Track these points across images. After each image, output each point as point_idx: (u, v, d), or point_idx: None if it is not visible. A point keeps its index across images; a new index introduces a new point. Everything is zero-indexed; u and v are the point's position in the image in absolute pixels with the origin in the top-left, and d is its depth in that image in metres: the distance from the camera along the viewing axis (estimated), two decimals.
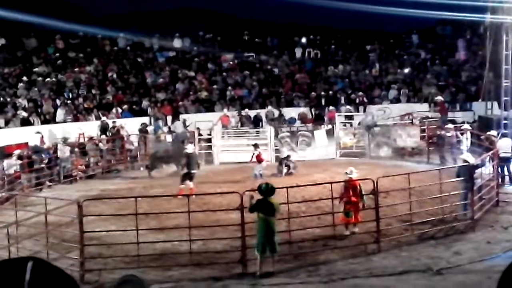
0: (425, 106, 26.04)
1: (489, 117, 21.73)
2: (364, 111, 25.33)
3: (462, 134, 19.11)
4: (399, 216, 11.91)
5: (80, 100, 24.99)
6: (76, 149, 20.38)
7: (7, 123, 22.18)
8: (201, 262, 10.18)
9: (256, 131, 22.99)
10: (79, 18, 32.24)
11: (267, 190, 9.80)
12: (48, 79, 25.66)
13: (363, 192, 11.43)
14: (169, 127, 23.69)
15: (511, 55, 19.78)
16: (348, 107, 25.82)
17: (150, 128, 23.55)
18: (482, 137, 17.70)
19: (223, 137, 22.04)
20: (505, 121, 19.56)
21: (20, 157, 18.19)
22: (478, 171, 12.74)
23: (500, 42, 20.44)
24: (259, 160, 18.06)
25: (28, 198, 14.93)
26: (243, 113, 24.83)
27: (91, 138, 21.88)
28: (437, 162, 18.79)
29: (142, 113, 24.98)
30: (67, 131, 21.34)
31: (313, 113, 26.11)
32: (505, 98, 20.03)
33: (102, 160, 21.20)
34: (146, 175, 19.12)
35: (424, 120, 23.14)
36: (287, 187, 11.09)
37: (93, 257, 10.30)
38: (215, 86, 27.67)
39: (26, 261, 1.46)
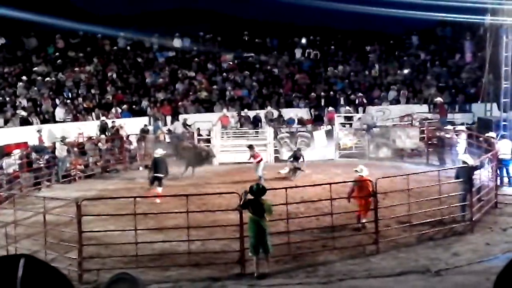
0: (424, 108, 26.03)
1: (488, 119, 21.75)
2: (364, 112, 25.33)
3: (457, 135, 19.12)
4: (398, 217, 11.92)
5: (80, 99, 24.98)
6: (75, 149, 20.38)
7: (6, 122, 22.19)
8: (199, 263, 10.19)
9: (256, 131, 23.00)
10: (80, 18, 32.15)
11: (258, 191, 9.82)
12: (47, 78, 25.64)
13: (374, 189, 11.28)
14: (169, 129, 23.70)
15: (510, 56, 19.79)
16: (347, 108, 25.81)
17: (149, 128, 23.55)
18: (481, 138, 17.70)
19: (222, 137, 22.05)
20: (505, 123, 19.57)
21: (21, 157, 18.20)
22: (477, 172, 12.74)
23: (500, 44, 20.46)
24: (258, 160, 17.83)
25: (26, 197, 14.92)
26: (242, 113, 24.84)
27: (90, 138, 21.88)
28: (436, 163, 18.80)
29: (142, 113, 24.98)
30: (67, 131, 21.33)
31: (313, 113, 26.11)
32: (505, 100, 20.04)
33: (101, 160, 21.19)
34: (145, 175, 19.10)
35: (424, 121, 23.13)
36: (285, 188, 11.10)
37: (92, 257, 10.30)
38: (214, 86, 27.67)
39: (18, 258, 1.45)
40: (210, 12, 50.49)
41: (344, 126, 23.24)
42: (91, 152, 21.16)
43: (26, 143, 20.11)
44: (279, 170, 18.54)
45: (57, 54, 27.85)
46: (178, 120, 24.52)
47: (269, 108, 25.62)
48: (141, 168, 20.69)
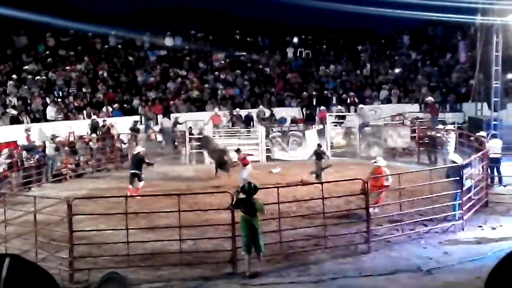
0: (416, 107, 26.14)
1: (479, 118, 21.88)
2: (355, 111, 25.36)
3: (447, 134, 19.19)
4: (389, 216, 11.96)
5: (71, 98, 24.84)
6: (66, 148, 20.25)
7: None
8: (191, 262, 10.17)
9: (247, 130, 22.97)
10: (75, 16, 31.95)
11: (250, 190, 9.81)
12: (38, 77, 25.48)
13: (388, 177, 12.72)
14: (161, 129, 23.58)
15: (501, 56, 19.91)
16: (339, 107, 25.86)
17: (141, 127, 23.45)
18: (472, 138, 17.79)
19: (214, 136, 21.99)
20: (495, 122, 19.70)
21: (11, 156, 18.06)
22: (466, 171, 12.81)
23: (490, 44, 20.57)
24: (244, 163, 17.55)
25: (17, 196, 14.81)
26: (234, 112, 24.81)
27: (81, 137, 21.76)
28: (426, 162, 18.88)
29: (133, 112, 24.87)
30: (57, 130, 21.15)
31: (304, 113, 26.13)
32: (495, 99, 20.18)
33: (92, 159, 21.09)
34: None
35: (415, 120, 23.22)
36: (277, 187, 11.10)
37: (83, 257, 10.24)
38: (206, 85, 27.62)
39: (3, 258, 1.42)
40: (201, 11, 50.41)
41: (336, 125, 23.28)
42: (82, 151, 21.03)
43: (15, 142, 19.95)
44: (270, 169, 18.50)
45: (47, 52, 27.68)
46: (169, 118, 24.39)
47: (261, 107, 25.61)
48: None
